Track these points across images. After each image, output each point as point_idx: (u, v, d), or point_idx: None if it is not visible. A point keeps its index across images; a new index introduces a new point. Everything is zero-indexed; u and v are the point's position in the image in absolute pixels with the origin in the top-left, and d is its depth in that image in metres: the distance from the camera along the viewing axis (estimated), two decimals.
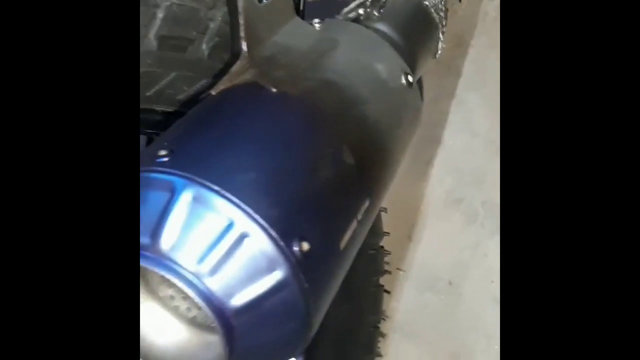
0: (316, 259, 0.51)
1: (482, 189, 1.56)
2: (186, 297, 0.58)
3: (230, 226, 0.48)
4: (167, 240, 0.48)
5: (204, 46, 0.89)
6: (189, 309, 0.58)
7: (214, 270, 0.48)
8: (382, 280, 1.19)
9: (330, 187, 0.54)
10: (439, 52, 0.86)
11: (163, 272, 0.47)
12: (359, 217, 0.57)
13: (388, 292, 1.28)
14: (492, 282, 1.52)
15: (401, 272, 1.56)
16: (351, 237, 0.56)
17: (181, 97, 0.92)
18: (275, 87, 0.57)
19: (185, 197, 0.48)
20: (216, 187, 0.48)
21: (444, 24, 0.84)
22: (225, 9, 0.90)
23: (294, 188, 0.51)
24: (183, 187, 0.49)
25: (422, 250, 1.56)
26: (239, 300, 0.48)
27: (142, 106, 0.89)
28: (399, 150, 0.65)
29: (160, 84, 0.88)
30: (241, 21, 0.56)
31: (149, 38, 0.85)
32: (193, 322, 0.58)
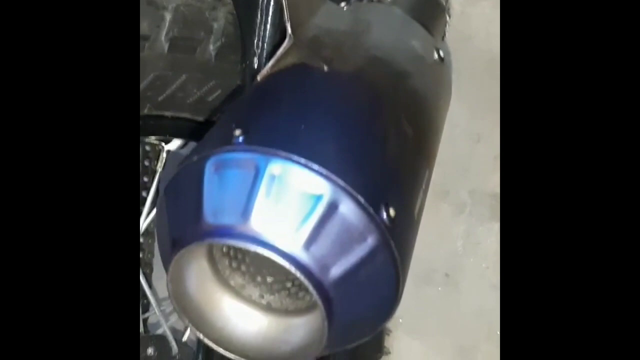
0: (400, 226, 0.51)
1: (467, 179, 1.59)
2: (261, 282, 0.57)
3: (319, 197, 0.48)
4: (258, 217, 0.47)
5: (211, 47, 0.89)
6: (261, 295, 0.57)
7: (309, 243, 0.47)
8: None
9: (400, 157, 0.55)
10: (445, 34, 0.88)
11: (259, 249, 0.47)
12: (423, 186, 0.58)
13: None
14: (487, 268, 1.54)
15: None
16: (420, 206, 0.56)
17: (190, 100, 0.91)
18: (327, 66, 0.57)
19: (271, 173, 0.48)
20: (301, 160, 0.48)
21: (449, 7, 0.86)
22: (226, 8, 0.90)
23: (373, 157, 0.51)
24: (267, 163, 0.48)
25: (415, 245, 1.57)
26: (335, 271, 0.48)
27: (154, 112, 0.88)
28: (441, 123, 0.66)
29: (171, 87, 0.87)
30: (285, 3, 0.56)
31: (160, 41, 0.84)
32: (267, 309, 0.57)
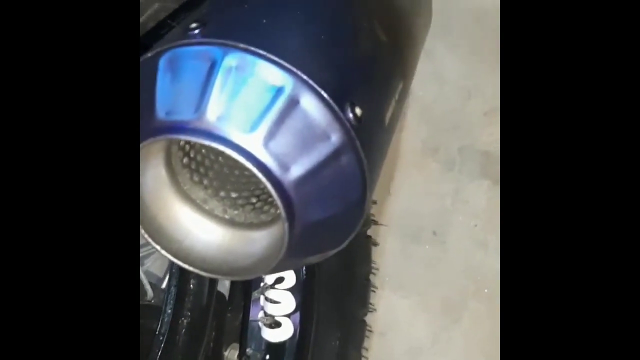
0: (368, 128, 0.48)
1: (457, 136, 1.56)
2: (224, 196, 0.54)
3: (280, 90, 0.45)
4: (213, 111, 0.44)
5: None
6: (224, 210, 0.55)
7: (267, 139, 0.44)
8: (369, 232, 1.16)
9: (371, 60, 0.52)
10: None
11: (214, 144, 0.43)
12: (396, 96, 0.54)
13: (376, 244, 1.26)
14: (476, 226, 1.52)
15: (384, 227, 1.54)
16: (392, 115, 0.53)
17: (164, 31, 0.87)
18: None
19: (227, 65, 0.45)
20: (261, 51, 0.45)
21: None
22: None
23: (340, 55, 0.48)
24: (223, 55, 0.45)
25: (402, 202, 1.55)
26: (296, 170, 0.45)
27: None
28: (419, 39, 0.63)
29: (142, 15, 0.83)
30: None
31: None
32: (230, 223, 0.54)
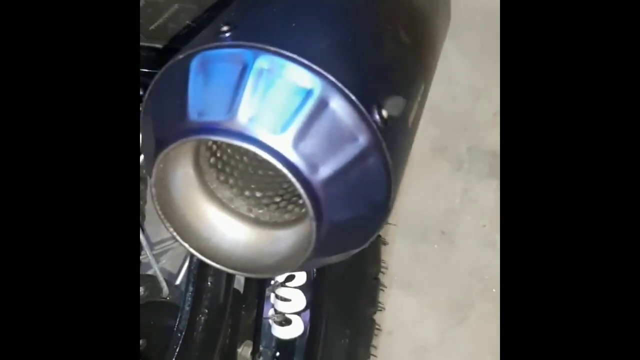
0: (393, 129, 0.49)
1: (465, 136, 1.57)
2: (249, 195, 0.56)
3: (309, 93, 0.46)
4: (244, 112, 0.45)
5: None
6: (249, 209, 0.56)
7: (297, 140, 0.45)
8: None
9: (395, 62, 0.53)
10: None
11: (245, 144, 0.45)
12: (419, 98, 0.56)
13: (386, 243, 1.27)
14: (484, 226, 1.53)
15: (392, 226, 1.55)
16: (415, 116, 0.54)
17: (183, 32, 0.88)
18: None
19: (259, 67, 0.46)
20: (291, 54, 0.46)
21: None
22: None
23: (366, 57, 0.49)
24: (255, 58, 0.46)
25: (411, 202, 1.56)
26: (324, 170, 0.46)
27: (143, 43, 0.86)
28: (439, 41, 0.64)
29: (163, 16, 0.84)
30: None
31: None
32: (255, 222, 0.55)
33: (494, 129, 1.56)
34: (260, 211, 0.55)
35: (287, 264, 0.51)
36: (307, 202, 0.46)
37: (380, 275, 1.24)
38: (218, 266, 0.52)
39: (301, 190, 0.45)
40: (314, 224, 0.46)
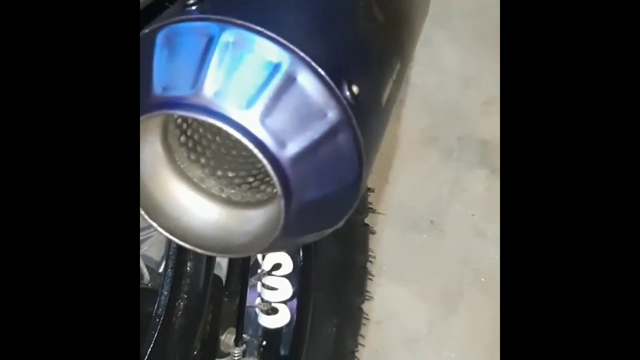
0: (365, 107, 0.48)
1: (455, 125, 1.56)
2: (221, 176, 0.55)
3: (277, 67, 0.45)
4: (210, 86, 0.44)
5: None
6: (221, 188, 0.55)
7: (264, 115, 0.44)
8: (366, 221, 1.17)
9: (368, 39, 0.52)
10: None
11: (210, 119, 0.44)
12: (394, 77, 0.54)
13: (374, 232, 1.26)
14: (474, 215, 1.52)
15: (382, 215, 1.54)
16: (389, 95, 0.53)
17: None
18: None
19: (225, 41, 0.45)
20: (258, 28, 0.45)
21: None
22: None
23: (338, 33, 0.48)
24: (221, 31, 0.45)
25: (400, 191, 1.55)
26: (292, 147, 0.45)
27: None
28: (417, 20, 0.63)
29: None
30: None
31: None
32: (226, 202, 0.54)
33: (484, 117, 1.55)
34: (232, 191, 0.54)
35: (257, 243, 0.50)
36: (275, 179, 0.45)
37: (369, 265, 1.23)
38: (188, 246, 0.51)
39: (268, 167, 0.44)
40: (282, 202, 0.45)
